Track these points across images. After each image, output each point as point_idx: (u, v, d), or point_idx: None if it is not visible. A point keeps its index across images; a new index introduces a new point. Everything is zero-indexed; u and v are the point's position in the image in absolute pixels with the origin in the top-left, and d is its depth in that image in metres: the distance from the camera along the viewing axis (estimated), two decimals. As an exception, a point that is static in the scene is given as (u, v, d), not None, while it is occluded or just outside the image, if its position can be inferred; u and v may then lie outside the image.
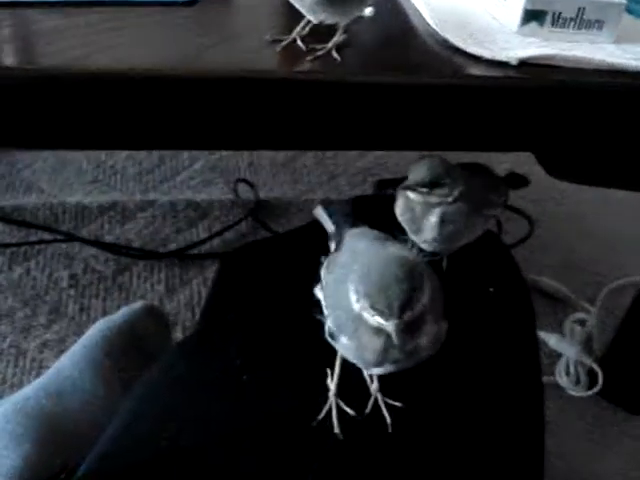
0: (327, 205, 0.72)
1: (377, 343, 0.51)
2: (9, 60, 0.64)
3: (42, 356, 1.18)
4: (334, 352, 0.58)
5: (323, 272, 0.60)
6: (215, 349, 0.70)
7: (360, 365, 0.56)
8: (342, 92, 0.63)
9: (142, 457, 0.61)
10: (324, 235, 0.69)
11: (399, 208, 0.69)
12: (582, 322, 1.30)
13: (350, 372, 0.58)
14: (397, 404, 0.58)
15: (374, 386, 0.59)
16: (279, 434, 0.59)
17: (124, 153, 1.71)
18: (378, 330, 0.50)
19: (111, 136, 0.64)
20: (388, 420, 0.58)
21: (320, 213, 0.72)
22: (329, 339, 0.56)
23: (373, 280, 0.50)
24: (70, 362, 0.96)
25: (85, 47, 0.62)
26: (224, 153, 1.74)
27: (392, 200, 0.71)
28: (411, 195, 0.67)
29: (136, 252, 1.41)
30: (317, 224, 0.73)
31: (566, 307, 1.37)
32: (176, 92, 0.61)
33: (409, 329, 0.49)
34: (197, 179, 1.65)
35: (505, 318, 0.73)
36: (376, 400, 0.59)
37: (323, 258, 0.62)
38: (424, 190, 0.66)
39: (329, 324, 0.55)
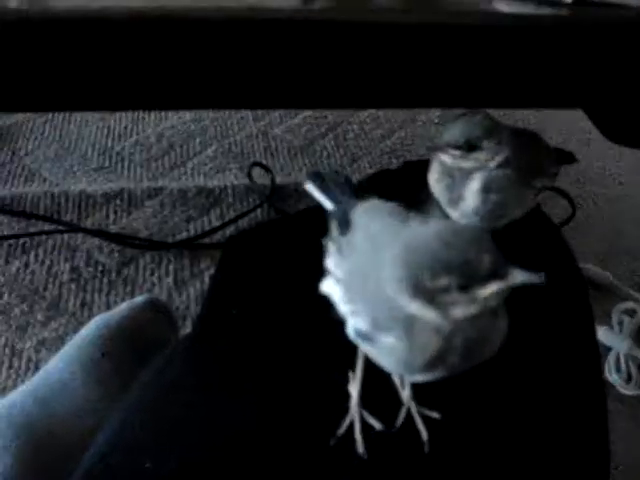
0: (317, 178, 0.59)
1: (435, 343, 0.40)
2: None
3: (39, 356, 1.08)
4: (353, 353, 0.47)
5: (333, 260, 0.49)
6: (215, 350, 0.60)
7: (399, 371, 0.45)
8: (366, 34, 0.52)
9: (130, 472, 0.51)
10: None
11: (433, 175, 0.58)
12: (632, 312, 1.18)
13: (374, 376, 0.47)
14: (434, 415, 0.47)
15: (406, 393, 0.48)
16: (290, 453, 0.48)
17: (132, 139, 1.61)
18: (437, 329, 0.40)
19: (119, 93, 0.53)
20: (424, 435, 0.46)
21: (311, 189, 0.59)
22: (357, 340, 0.45)
23: (430, 258, 0.39)
24: (62, 364, 0.86)
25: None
26: (238, 137, 1.63)
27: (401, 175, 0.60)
28: (445, 159, 0.56)
29: (143, 242, 1.30)
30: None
31: (613, 296, 1.24)
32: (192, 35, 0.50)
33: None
34: (209, 165, 1.54)
35: (560, 312, 0.61)
36: (409, 410, 0.47)
37: (326, 242, 0.51)
38: (458, 153, 0.55)
39: (360, 323, 0.44)
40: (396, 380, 0.48)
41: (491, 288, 0.39)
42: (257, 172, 1.49)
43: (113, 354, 0.87)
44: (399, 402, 0.47)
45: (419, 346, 0.41)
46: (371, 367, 0.45)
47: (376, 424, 0.47)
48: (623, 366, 1.10)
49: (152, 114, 1.69)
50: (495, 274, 0.39)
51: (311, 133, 1.67)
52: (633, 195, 1.55)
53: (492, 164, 0.55)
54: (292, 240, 0.72)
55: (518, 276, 0.39)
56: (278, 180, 1.47)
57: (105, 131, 1.63)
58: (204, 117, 1.69)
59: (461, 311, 0.39)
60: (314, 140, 1.64)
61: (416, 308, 0.40)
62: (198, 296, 1.21)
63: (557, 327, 0.60)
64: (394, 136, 1.68)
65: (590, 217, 1.45)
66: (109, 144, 1.59)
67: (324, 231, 0.55)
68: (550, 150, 0.63)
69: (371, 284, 0.43)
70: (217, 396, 0.56)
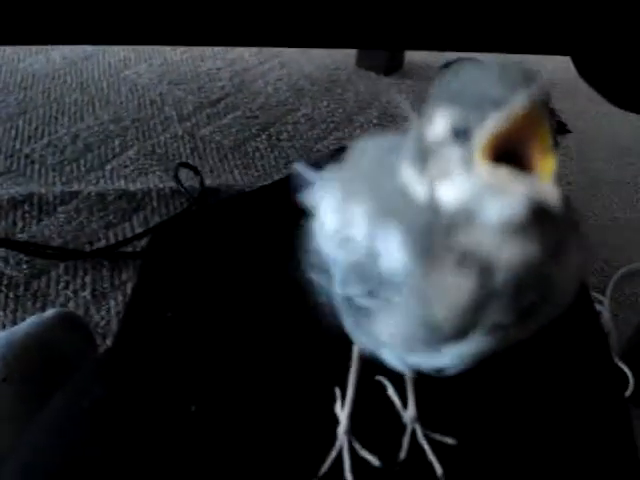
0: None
1: (469, 283, 0.29)
2: None
3: None
4: (338, 362, 0.35)
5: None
6: (146, 365, 0.47)
7: (415, 344, 0.32)
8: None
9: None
10: (270, 202, 0.48)
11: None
12: (595, 315, 1.10)
13: (368, 392, 0.35)
14: (448, 441, 0.35)
15: (409, 413, 0.36)
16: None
17: (44, 140, 1.45)
18: (463, 256, 0.28)
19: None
20: (438, 469, 0.34)
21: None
22: (346, 303, 0.33)
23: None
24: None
25: None
26: (162, 137, 1.50)
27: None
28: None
29: (55, 252, 1.15)
30: (259, 192, 0.52)
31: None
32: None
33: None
34: (130, 167, 1.40)
35: (575, 337, 0.51)
36: (413, 434, 0.35)
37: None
38: None
39: (352, 252, 0.34)
40: (395, 398, 0.36)
41: (492, 124, 0.29)
42: (184, 174, 1.36)
43: (15, 378, 0.73)
44: (400, 424, 0.35)
45: (444, 291, 0.30)
46: (366, 381, 0.33)
47: (372, 459, 0.34)
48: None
49: (65, 115, 1.54)
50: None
51: (242, 134, 1.54)
52: (576, 199, 1.48)
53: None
54: (218, 232, 0.61)
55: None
56: (207, 182, 1.34)
57: (13, 133, 1.47)
58: (124, 117, 1.55)
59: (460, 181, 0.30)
60: (245, 141, 1.52)
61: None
62: (119, 310, 1.06)
63: (573, 350, 0.50)
64: (331, 137, 1.57)
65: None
66: (17, 146, 1.43)
67: (251, 220, 0.45)
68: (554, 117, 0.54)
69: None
70: (145, 425, 0.43)
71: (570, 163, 1.53)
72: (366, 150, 0.38)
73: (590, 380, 0.49)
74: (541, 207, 0.28)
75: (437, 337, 0.31)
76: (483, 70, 0.31)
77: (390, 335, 0.33)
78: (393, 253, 0.31)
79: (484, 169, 0.29)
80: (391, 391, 0.37)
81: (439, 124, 0.31)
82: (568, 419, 0.44)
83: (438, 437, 0.35)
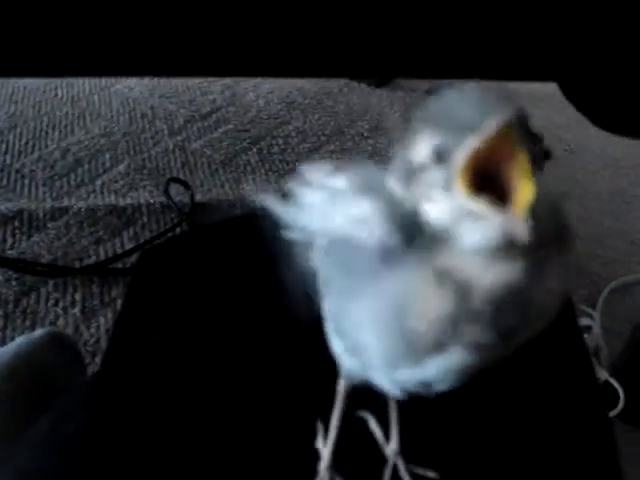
0: None
1: (446, 301, 0.30)
2: None
3: None
4: (324, 391, 0.34)
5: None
6: (131, 391, 0.47)
7: (395, 358, 0.32)
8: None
9: None
10: (264, 223, 0.48)
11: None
12: (587, 330, 1.10)
13: (352, 426, 0.34)
14: (431, 475, 0.35)
15: (391, 447, 0.35)
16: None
17: (34, 155, 1.45)
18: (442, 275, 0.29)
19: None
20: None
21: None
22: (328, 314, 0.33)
23: None
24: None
25: None
26: (152, 152, 1.49)
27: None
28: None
29: (45, 269, 1.14)
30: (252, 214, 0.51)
31: (565, 313, 1.16)
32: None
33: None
34: (121, 182, 1.40)
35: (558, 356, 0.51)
36: (395, 470, 0.35)
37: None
38: None
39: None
40: (377, 432, 0.36)
41: (467, 147, 0.29)
42: (175, 189, 1.36)
43: (3, 400, 0.72)
44: (382, 459, 0.35)
45: (421, 290, 0.30)
46: (350, 412, 0.33)
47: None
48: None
49: (56, 129, 1.54)
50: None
51: (233, 147, 1.54)
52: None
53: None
54: (209, 253, 0.60)
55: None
56: (198, 197, 1.34)
57: (3, 147, 1.47)
58: (115, 131, 1.55)
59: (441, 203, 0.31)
60: (236, 155, 1.52)
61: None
62: (109, 328, 1.05)
63: (556, 369, 0.50)
64: (322, 150, 1.57)
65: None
66: (7, 161, 1.43)
67: (244, 241, 0.45)
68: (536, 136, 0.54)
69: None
70: (133, 450, 0.43)
71: (560, 174, 1.54)
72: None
73: (573, 399, 0.49)
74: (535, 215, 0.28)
75: (416, 348, 0.32)
76: (464, 94, 0.32)
77: (372, 345, 0.33)
78: (370, 236, 0.32)
79: (462, 194, 0.30)
80: (373, 425, 0.37)
81: (421, 147, 0.32)
82: (550, 442, 0.44)
83: (421, 471, 0.35)
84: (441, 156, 0.30)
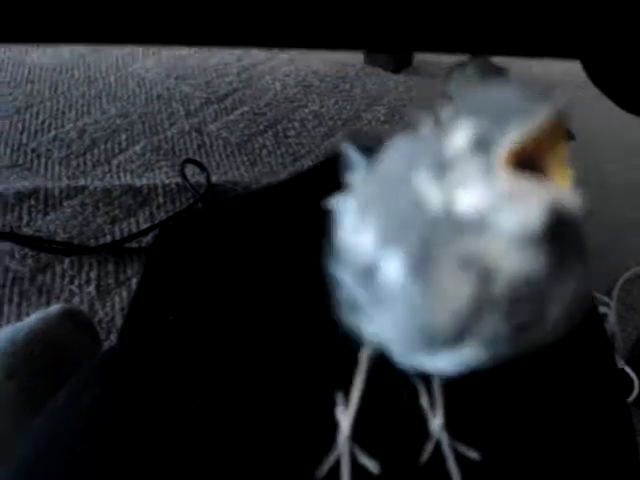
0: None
1: (467, 288, 0.29)
2: None
3: None
4: (345, 367, 0.34)
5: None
6: (148, 366, 0.46)
7: (413, 345, 0.32)
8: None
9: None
10: (281, 201, 0.48)
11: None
12: (603, 317, 1.09)
13: (373, 398, 0.34)
14: (473, 455, 0.34)
15: (437, 422, 0.35)
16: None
17: (50, 134, 1.45)
18: (467, 261, 0.29)
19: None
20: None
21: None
22: (350, 298, 0.33)
23: None
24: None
25: None
26: (169, 133, 1.49)
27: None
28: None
29: (61, 246, 1.15)
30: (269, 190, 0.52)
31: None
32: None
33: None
34: (137, 162, 1.40)
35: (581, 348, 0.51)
36: (437, 447, 0.35)
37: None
38: None
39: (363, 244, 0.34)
40: (425, 402, 0.35)
41: (515, 133, 0.29)
42: (190, 170, 1.36)
43: (20, 375, 0.72)
44: (422, 433, 0.34)
45: (440, 281, 0.30)
46: (376, 378, 0.33)
47: (371, 466, 0.34)
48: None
49: (72, 109, 1.54)
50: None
51: (249, 130, 1.54)
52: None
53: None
54: (226, 232, 0.60)
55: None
56: (214, 179, 1.34)
57: (19, 126, 1.47)
58: (131, 112, 1.55)
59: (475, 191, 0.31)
60: (252, 137, 1.52)
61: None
62: (124, 306, 1.06)
63: (577, 355, 0.50)
64: (338, 134, 1.56)
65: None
66: (24, 140, 1.43)
67: (261, 219, 0.45)
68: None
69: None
70: (146, 425, 0.43)
71: (579, 165, 1.52)
72: (392, 154, 0.38)
73: (593, 386, 0.49)
74: (559, 217, 0.28)
75: (433, 339, 0.31)
76: (503, 86, 0.32)
77: (389, 334, 0.33)
78: (392, 274, 0.31)
79: (505, 177, 0.29)
80: (423, 397, 0.36)
81: (460, 135, 0.31)
82: (570, 428, 0.44)
83: (464, 450, 0.35)
84: (481, 145, 0.30)
